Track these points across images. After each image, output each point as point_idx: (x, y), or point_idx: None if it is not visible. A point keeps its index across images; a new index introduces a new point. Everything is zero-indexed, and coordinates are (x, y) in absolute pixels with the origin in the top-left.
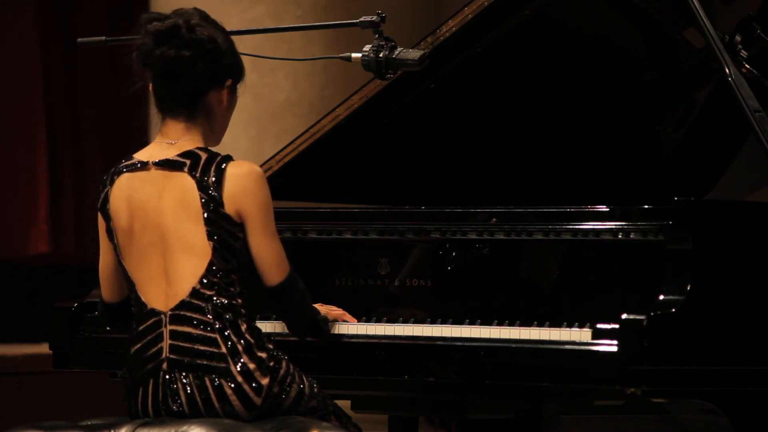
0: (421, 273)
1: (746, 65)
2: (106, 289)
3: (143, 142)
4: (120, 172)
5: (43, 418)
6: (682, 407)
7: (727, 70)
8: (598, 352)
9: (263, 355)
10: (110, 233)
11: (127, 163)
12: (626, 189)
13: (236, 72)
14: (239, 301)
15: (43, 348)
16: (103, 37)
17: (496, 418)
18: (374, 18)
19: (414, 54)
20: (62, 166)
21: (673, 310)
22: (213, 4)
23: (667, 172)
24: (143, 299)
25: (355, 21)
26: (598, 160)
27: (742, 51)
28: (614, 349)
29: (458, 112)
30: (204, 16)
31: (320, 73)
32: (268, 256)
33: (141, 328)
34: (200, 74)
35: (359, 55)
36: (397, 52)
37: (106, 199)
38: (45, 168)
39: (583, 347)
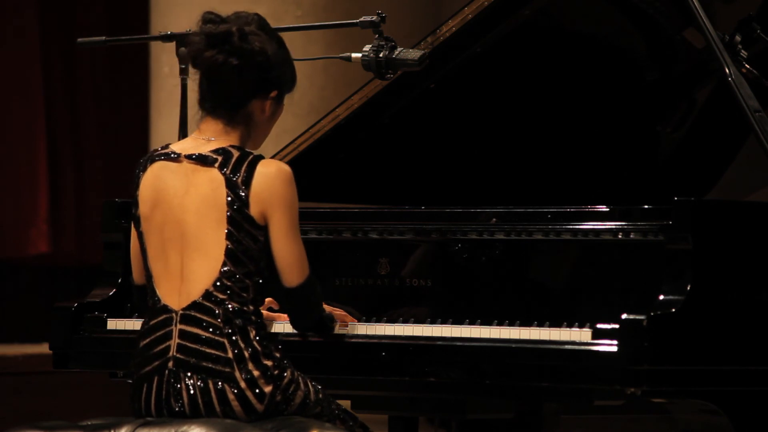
0: (420, 273)
1: (746, 65)
2: (136, 271)
3: (143, 142)
4: (153, 160)
5: (43, 418)
6: (682, 407)
7: (727, 70)
8: (598, 352)
9: (269, 363)
10: (137, 221)
11: (162, 151)
12: (626, 189)
13: (284, 84)
14: (251, 307)
15: (43, 348)
16: (103, 37)
17: (496, 418)
18: (374, 18)
19: (414, 54)
20: (62, 166)
21: (673, 310)
22: (213, 4)
23: (667, 172)
24: (158, 293)
25: (355, 21)
26: (598, 160)
27: (742, 51)
28: (614, 349)
29: (458, 112)
30: (262, 25)
31: (320, 73)
32: (290, 257)
33: (152, 323)
34: (245, 83)
35: (359, 55)
36: (397, 52)
37: (137, 185)
38: (45, 168)
39: (583, 347)
